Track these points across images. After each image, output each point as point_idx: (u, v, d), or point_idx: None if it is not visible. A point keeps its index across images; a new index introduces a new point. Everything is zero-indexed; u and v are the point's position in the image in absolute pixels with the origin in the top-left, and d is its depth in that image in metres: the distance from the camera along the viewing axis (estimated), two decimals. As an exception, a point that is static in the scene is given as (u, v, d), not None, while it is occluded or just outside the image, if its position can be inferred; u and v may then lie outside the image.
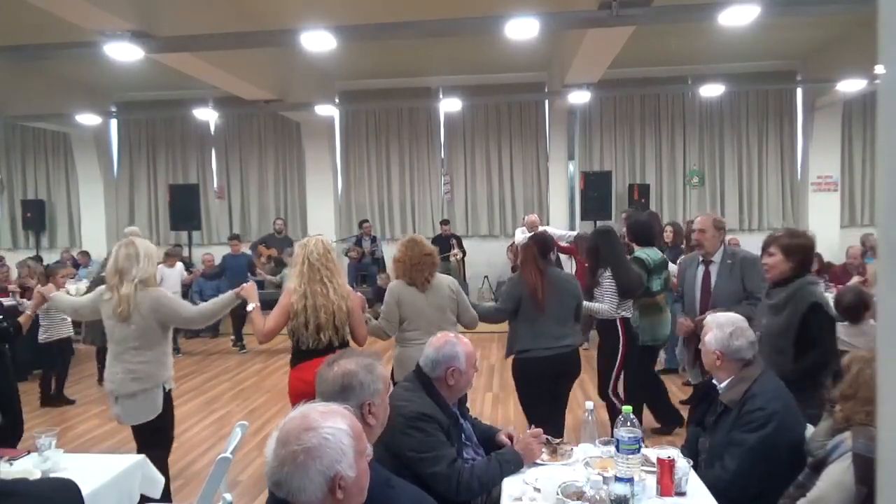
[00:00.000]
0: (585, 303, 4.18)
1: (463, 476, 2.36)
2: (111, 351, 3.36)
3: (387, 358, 4.51)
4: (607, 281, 4.31)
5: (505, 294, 3.95)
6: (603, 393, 4.51)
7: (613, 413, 4.44)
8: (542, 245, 3.96)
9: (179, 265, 8.13)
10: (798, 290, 3.08)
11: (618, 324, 4.37)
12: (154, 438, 3.37)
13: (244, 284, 3.56)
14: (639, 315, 4.56)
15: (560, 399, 3.92)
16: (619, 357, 4.40)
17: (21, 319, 3.70)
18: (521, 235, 8.63)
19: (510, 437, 2.70)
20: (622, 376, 4.45)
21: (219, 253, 10.65)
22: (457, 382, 2.57)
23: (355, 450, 1.49)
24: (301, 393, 3.00)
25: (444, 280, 3.84)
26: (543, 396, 3.78)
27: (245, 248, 9.43)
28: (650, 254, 4.64)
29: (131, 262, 3.32)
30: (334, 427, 1.48)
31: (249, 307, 3.43)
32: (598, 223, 9.58)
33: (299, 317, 3.32)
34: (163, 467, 3.35)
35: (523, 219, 9.32)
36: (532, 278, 3.80)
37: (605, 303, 4.33)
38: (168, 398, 3.44)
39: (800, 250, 3.13)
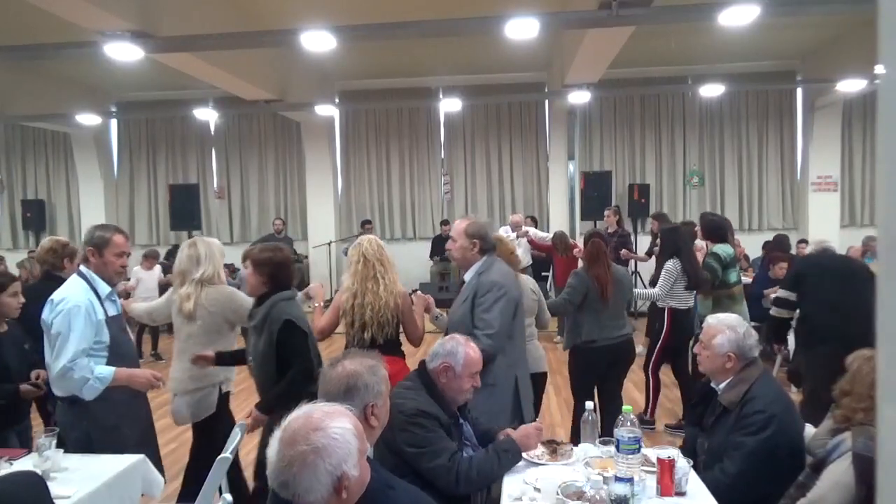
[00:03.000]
0: (637, 290, 4.95)
1: (462, 467, 2.35)
2: (176, 348, 3.44)
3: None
4: (666, 272, 4.88)
5: (572, 288, 4.23)
6: (653, 373, 5.08)
7: (649, 389, 5.10)
8: (606, 243, 4.43)
9: (157, 267, 8.02)
10: (271, 307, 2.99)
11: (665, 312, 4.94)
12: (208, 440, 3.34)
13: (312, 285, 3.73)
14: (712, 305, 4.98)
15: (614, 383, 4.35)
16: (660, 341, 4.96)
17: None
18: (504, 236, 8.66)
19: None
20: (661, 359, 5.04)
21: (219, 253, 10.63)
22: (448, 382, 2.53)
23: (359, 450, 1.51)
24: None
25: (528, 282, 3.87)
26: (594, 383, 4.26)
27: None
28: (725, 249, 5.11)
29: (192, 263, 3.41)
30: (342, 427, 1.49)
31: (312, 305, 3.61)
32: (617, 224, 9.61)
33: (346, 316, 3.36)
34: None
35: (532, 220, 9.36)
36: (603, 274, 4.19)
37: (657, 288, 4.94)
38: (224, 400, 3.49)
39: (268, 264, 3.06)
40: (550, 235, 8.18)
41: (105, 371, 2.76)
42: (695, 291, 5.04)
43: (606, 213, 8.49)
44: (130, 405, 2.90)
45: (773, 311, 4.44)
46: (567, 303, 4.26)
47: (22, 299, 3.18)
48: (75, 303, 2.75)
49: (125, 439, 2.76)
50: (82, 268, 2.93)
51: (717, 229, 5.22)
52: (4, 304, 3.11)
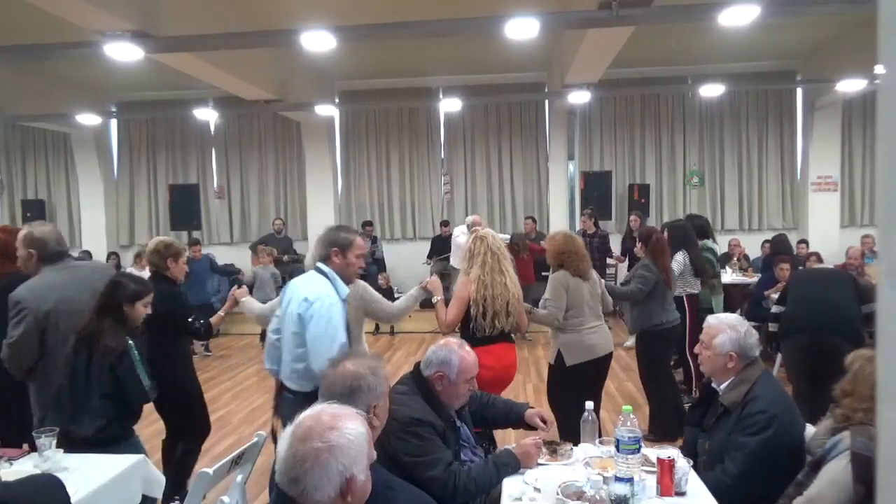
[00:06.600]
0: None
1: (459, 480, 2.34)
2: None
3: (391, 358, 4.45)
4: (676, 263, 5.16)
5: (643, 277, 4.64)
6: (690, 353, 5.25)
7: (690, 371, 5.37)
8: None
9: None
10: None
11: (685, 300, 5.23)
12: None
13: (428, 279, 3.80)
14: (709, 293, 5.58)
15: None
16: (688, 324, 5.15)
17: (213, 320, 3.74)
18: (463, 237, 8.63)
19: (543, 420, 2.69)
20: (693, 339, 5.29)
21: (219, 253, 10.64)
22: (444, 389, 2.52)
23: (368, 455, 1.52)
24: (482, 379, 2.88)
25: (594, 272, 4.27)
26: (669, 361, 4.78)
27: (204, 251, 9.13)
28: (710, 244, 5.76)
29: None
30: (356, 430, 1.51)
31: (434, 300, 3.70)
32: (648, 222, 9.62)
33: (478, 305, 3.49)
34: None
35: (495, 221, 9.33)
36: (667, 265, 4.71)
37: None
38: None
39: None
40: (508, 237, 8.14)
41: None
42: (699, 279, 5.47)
43: (582, 216, 8.60)
44: None
45: (772, 327, 4.85)
46: (640, 291, 4.65)
47: (149, 310, 3.10)
48: (333, 300, 2.81)
49: None
50: (323, 267, 2.93)
51: (700, 229, 5.82)
52: (139, 312, 3.04)
